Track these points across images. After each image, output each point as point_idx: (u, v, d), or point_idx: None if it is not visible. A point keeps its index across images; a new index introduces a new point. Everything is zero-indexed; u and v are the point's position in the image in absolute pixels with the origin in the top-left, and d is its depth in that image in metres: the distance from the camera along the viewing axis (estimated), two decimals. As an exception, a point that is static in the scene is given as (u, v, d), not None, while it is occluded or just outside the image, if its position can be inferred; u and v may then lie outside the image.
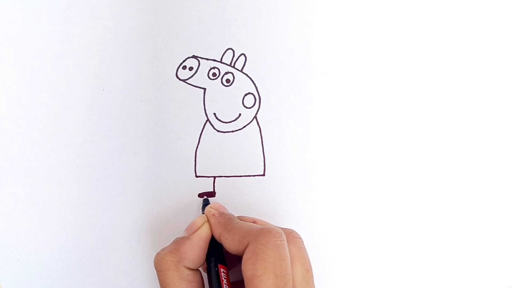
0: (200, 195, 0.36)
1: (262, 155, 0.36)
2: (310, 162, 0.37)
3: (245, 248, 0.27)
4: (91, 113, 0.36)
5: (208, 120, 0.36)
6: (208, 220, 0.31)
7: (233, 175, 0.36)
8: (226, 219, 0.30)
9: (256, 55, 0.36)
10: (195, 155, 0.36)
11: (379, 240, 0.37)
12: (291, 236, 0.29)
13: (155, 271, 0.36)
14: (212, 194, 0.36)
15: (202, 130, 0.36)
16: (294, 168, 0.36)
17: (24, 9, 0.35)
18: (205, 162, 0.36)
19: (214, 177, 0.36)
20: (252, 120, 0.36)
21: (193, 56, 0.36)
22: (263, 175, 0.36)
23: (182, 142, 0.36)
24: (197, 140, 0.36)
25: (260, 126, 0.36)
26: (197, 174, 0.36)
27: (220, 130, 0.36)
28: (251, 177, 0.36)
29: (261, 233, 0.27)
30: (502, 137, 0.38)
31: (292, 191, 0.36)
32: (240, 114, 0.36)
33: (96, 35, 0.36)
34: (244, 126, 0.36)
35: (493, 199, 0.38)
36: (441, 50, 0.37)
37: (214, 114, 0.36)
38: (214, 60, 0.36)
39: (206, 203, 0.34)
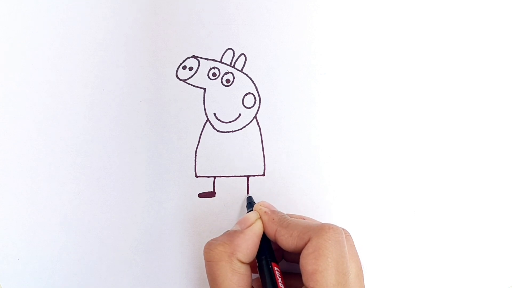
0: (200, 195, 0.36)
1: (262, 155, 0.36)
2: (310, 162, 0.37)
3: (305, 244, 0.27)
4: (91, 113, 0.36)
5: (208, 120, 0.36)
6: (260, 217, 0.31)
7: (233, 175, 0.36)
8: (280, 216, 0.30)
9: (256, 55, 0.36)
10: (195, 155, 0.36)
11: (379, 240, 0.37)
12: (344, 233, 0.29)
13: (154, 271, 0.36)
14: (212, 194, 0.36)
15: (202, 130, 0.36)
16: (294, 168, 0.36)
17: (24, 9, 0.35)
18: (205, 162, 0.36)
19: (214, 177, 0.36)
20: (252, 120, 0.36)
21: (193, 56, 0.36)
22: (263, 175, 0.36)
23: (182, 142, 0.36)
24: (197, 140, 0.36)
25: (260, 126, 0.36)
26: (197, 174, 0.36)
27: (220, 130, 0.36)
28: (251, 177, 0.36)
29: (322, 228, 0.27)
30: (502, 137, 0.38)
31: (292, 191, 0.36)
32: (240, 114, 0.36)
33: (96, 35, 0.36)
34: (244, 126, 0.36)
35: (493, 199, 0.38)
36: (441, 50, 0.37)
37: (214, 114, 0.36)
38: (214, 60, 0.36)
39: (250, 201, 0.35)
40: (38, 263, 0.35)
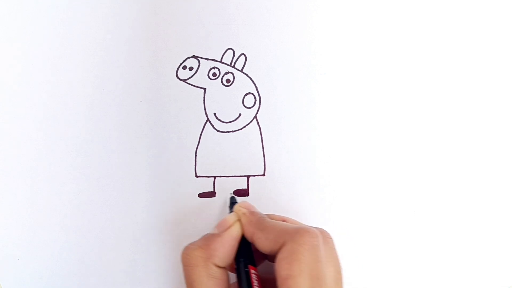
0: (200, 195, 0.36)
1: (262, 155, 0.36)
2: (310, 162, 0.37)
3: (280, 247, 0.27)
4: (91, 113, 0.36)
5: (208, 120, 0.36)
6: (239, 219, 0.30)
7: (233, 175, 0.36)
8: (258, 218, 0.30)
9: (256, 55, 0.36)
10: (195, 155, 0.36)
11: (379, 240, 0.37)
12: (323, 236, 0.29)
13: (155, 270, 0.36)
14: (212, 194, 0.36)
15: (202, 130, 0.36)
16: (294, 168, 0.36)
17: (24, 9, 0.35)
18: (205, 162, 0.36)
19: (214, 177, 0.36)
20: (252, 120, 0.36)
21: (193, 56, 0.36)
22: (263, 175, 0.36)
23: (182, 142, 0.36)
24: (197, 140, 0.36)
25: (260, 126, 0.36)
26: (197, 174, 0.36)
27: (220, 130, 0.36)
28: (251, 177, 0.36)
29: (297, 232, 0.27)
30: (502, 137, 0.38)
31: (292, 191, 0.36)
32: (240, 114, 0.36)
33: (96, 35, 0.36)
34: (244, 126, 0.36)
35: (493, 199, 0.38)
36: (441, 50, 0.37)
37: (214, 114, 0.36)
38: (214, 60, 0.36)
39: (233, 201, 0.34)
40: (38, 263, 0.35)
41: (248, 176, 0.36)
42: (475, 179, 0.37)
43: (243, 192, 0.36)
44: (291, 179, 0.36)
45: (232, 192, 0.36)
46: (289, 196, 0.36)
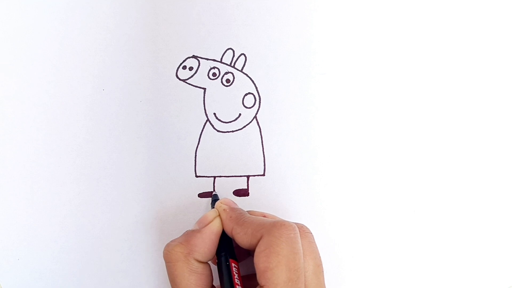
0: (200, 195, 0.36)
1: (262, 155, 0.36)
2: (310, 162, 0.37)
3: (258, 241, 0.27)
4: (91, 113, 0.36)
5: (208, 120, 0.36)
6: (219, 214, 0.31)
7: (233, 175, 0.36)
8: (238, 214, 0.30)
9: (256, 55, 0.36)
10: (195, 155, 0.36)
11: (378, 240, 0.37)
12: (302, 230, 0.29)
13: (155, 271, 0.36)
14: (212, 194, 0.36)
15: (202, 130, 0.36)
16: (294, 168, 0.36)
17: (24, 9, 0.35)
18: (205, 162, 0.36)
19: (214, 177, 0.36)
20: (252, 120, 0.36)
21: (193, 56, 0.36)
22: (263, 175, 0.36)
23: (182, 142, 0.36)
24: (197, 140, 0.36)
25: (260, 126, 0.36)
26: (197, 174, 0.36)
27: (220, 130, 0.36)
28: (251, 177, 0.36)
29: (274, 226, 0.27)
30: (502, 137, 0.38)
31: (292, 191, 0.36)
32: (240, 114, 0.36)
33: (96, 35, 0.36)
34: (244, 126, 0.36)
35: (493, 199, 0.38)
36: (441, 50, 0.37)
37: (214, 114, 0.36)
38: (214, 60, 0.36)
39: (215, 199, 0.34)
40: (38, 263, 0.35)
41: (248, 176, 0.36)
42: (475, 179, 0.37)
43: (243, 192, 0.36)
44: (291, 179, 0.36)
45: (232, 192, 0.36)
46: (289, 196, 0.36)
